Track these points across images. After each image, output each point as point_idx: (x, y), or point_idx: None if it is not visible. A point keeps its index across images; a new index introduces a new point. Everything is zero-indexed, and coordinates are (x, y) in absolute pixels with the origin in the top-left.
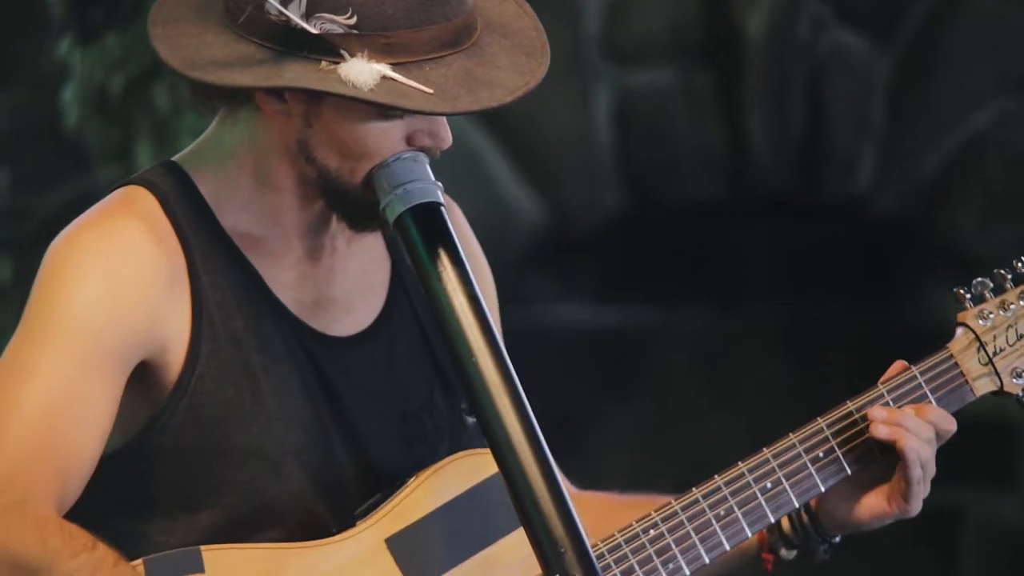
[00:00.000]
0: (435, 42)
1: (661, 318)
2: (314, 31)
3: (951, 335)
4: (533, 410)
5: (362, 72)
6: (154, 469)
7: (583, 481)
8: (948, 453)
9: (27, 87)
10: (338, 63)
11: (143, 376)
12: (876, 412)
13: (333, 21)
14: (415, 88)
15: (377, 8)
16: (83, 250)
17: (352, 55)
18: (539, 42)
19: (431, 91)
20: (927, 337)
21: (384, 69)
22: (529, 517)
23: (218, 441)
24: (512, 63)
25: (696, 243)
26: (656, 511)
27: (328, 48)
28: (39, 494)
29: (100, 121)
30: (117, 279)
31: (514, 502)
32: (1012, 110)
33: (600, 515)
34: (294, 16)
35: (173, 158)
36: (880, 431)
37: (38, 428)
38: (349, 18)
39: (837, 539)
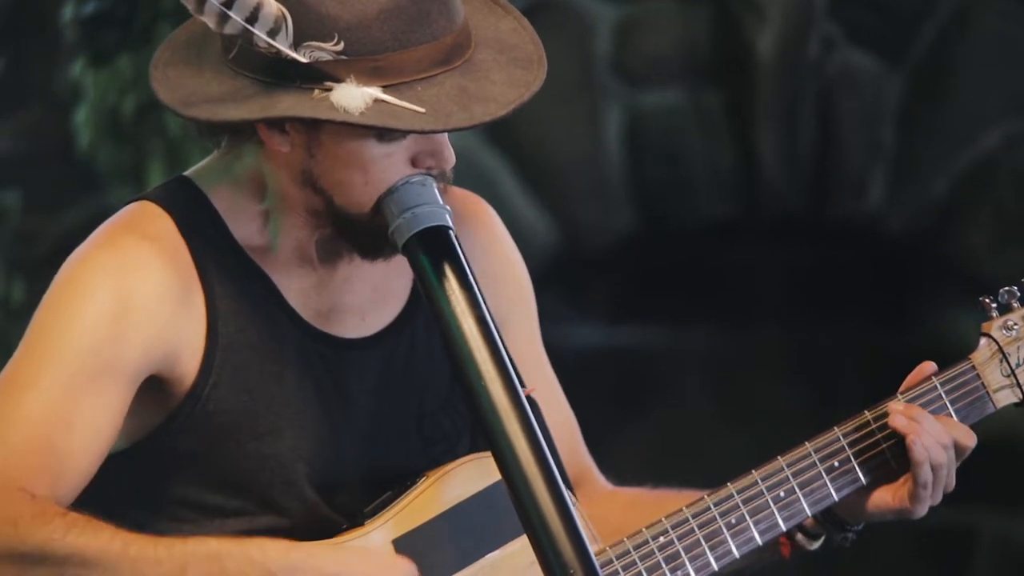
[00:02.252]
0: (425, 62)
1: (672, 338)
2: (304, 60)
3: (962, 355)
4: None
5: (353, 97)
6: (163, 473)
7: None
8: (961, 472)
9: (39, 109)
10: (330, 90)
11: (153, 387)
12: (895, 404)
13: (321, 49)
14: (407, 108)
15: (364, 32)
16: (95, 269)
17: (342, 81)
18: (536, 55)
19: (423, 110)
20: (938, 357)
21: (375, 92)
22: (539, 539)
23: (230, 448)
24: (507, 77)
25: (707, 263)
26: (666, 517)
27: (319, 76)
28: (30, 486)
29: (112, 143)
30: (126, 299)
31: (523, 523)
32: (1022, 131)
33: (633, 512)
34: (282, 47)
35: (185, 173)
36: (897, 420)
37: (33, 432)
38: (336, 44)
39: (858, 527)
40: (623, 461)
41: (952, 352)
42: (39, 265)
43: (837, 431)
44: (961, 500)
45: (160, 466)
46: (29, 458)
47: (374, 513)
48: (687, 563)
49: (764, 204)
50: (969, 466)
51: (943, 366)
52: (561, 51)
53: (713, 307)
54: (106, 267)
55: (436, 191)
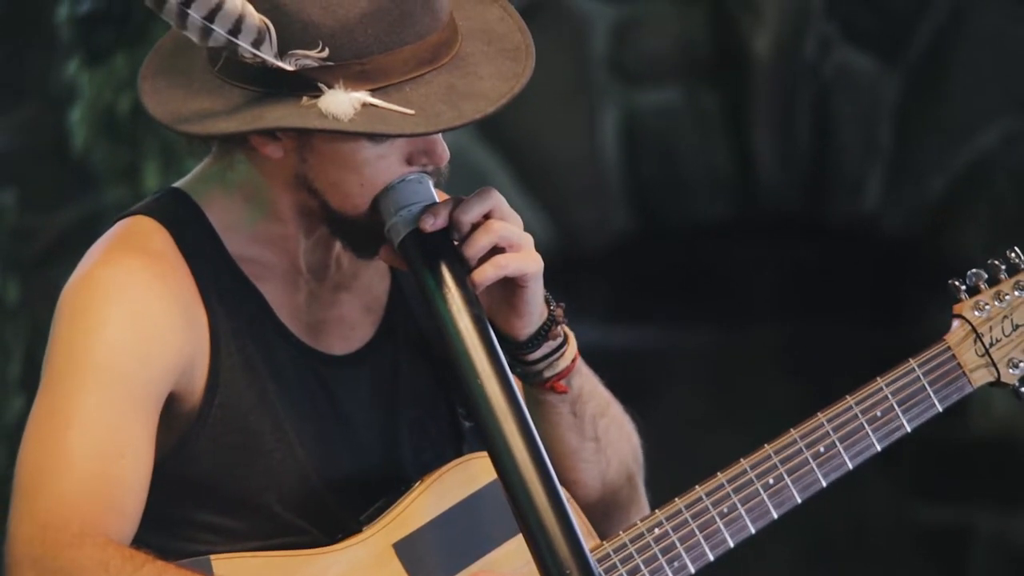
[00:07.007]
0: (412, 62)
1: (668, 338)
2: (290, 68)
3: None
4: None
5: (341, 103)
6: (176, 498)
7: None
8: (958, 472)
9: (35, 108)
10: (318, 96)
11: (168, 406)
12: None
13: (306, 56)
14: (395, 111)
15: (348, 37)
16: (101, 291)
17: (330, 87)
18: (523, 44)
19: (412, 112)
20: None
21: (363, 96)
22: (534, 537)
23: (240, 469)
24: (496, 71)
25: (703, 263)
26: (660, 509)
27: (306, 83)
28: (96, 529)
29: (108, 142)
30: (139, 318)
31: (518, 521)
32: (1019, 129)
33: None
34: (268, 57)
35: (177, 184)
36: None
37: (88, 470)
38: (321, 51)
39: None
40: None
41: None
42: (34, 264)
43: (821, 417)
44: (958, 498)
45: (173, 492)
46: (92, 497)
47: (371, 519)
48: (683, 554)
49: (761, 204)
50: (964, 466)
51: None
52: (558, 51)
53: (710, 307)
54: (111, 286)
55: (432, 188)
